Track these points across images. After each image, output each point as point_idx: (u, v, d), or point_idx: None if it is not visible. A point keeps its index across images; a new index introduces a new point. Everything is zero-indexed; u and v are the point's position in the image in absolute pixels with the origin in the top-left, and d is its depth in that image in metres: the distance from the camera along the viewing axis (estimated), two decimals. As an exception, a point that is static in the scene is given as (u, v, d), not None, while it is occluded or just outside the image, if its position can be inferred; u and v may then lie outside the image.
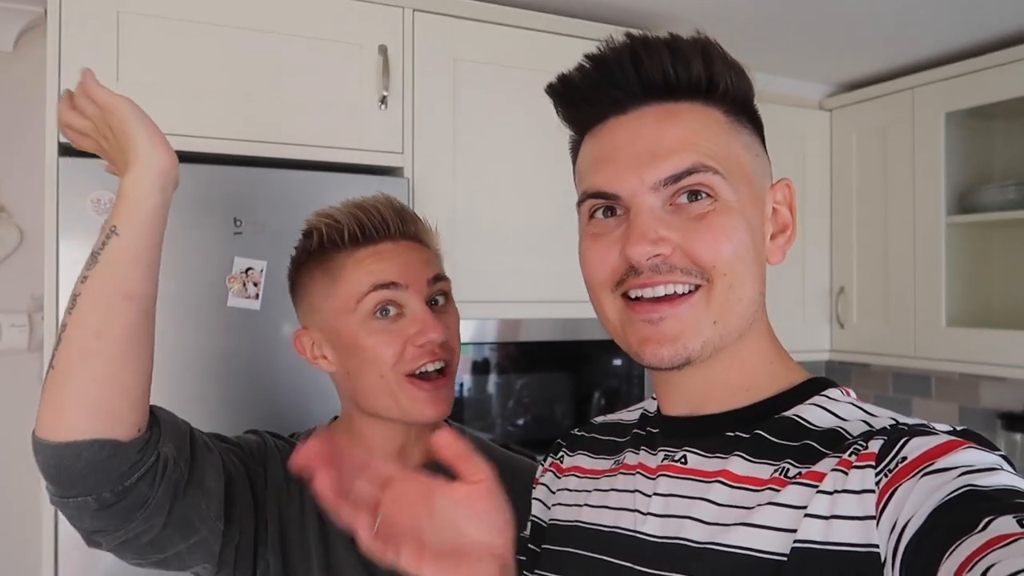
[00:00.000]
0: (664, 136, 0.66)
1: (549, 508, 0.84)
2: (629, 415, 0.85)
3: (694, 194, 0.66)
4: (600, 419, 0.89)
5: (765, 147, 0.74)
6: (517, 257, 1.82)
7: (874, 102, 2.37)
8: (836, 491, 0.58)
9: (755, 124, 0.73)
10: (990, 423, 2.32)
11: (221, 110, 1.54)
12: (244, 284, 1.48)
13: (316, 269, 0.99)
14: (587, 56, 0.70)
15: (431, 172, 1.72)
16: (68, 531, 1.38)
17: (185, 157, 1.50)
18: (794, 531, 0.59)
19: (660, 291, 0.65)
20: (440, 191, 1.73)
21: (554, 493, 0.85)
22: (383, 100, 1.66)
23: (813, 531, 0.58)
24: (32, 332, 1.76)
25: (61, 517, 1.37)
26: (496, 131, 1.80)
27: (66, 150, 1.42)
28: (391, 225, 0.97)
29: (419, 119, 1.71)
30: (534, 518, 0.85)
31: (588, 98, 0.70)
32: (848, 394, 0.70)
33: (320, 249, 0.98)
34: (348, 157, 1.64)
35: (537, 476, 0.90)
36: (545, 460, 0.90)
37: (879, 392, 2.68)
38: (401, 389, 0.95)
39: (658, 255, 0.64)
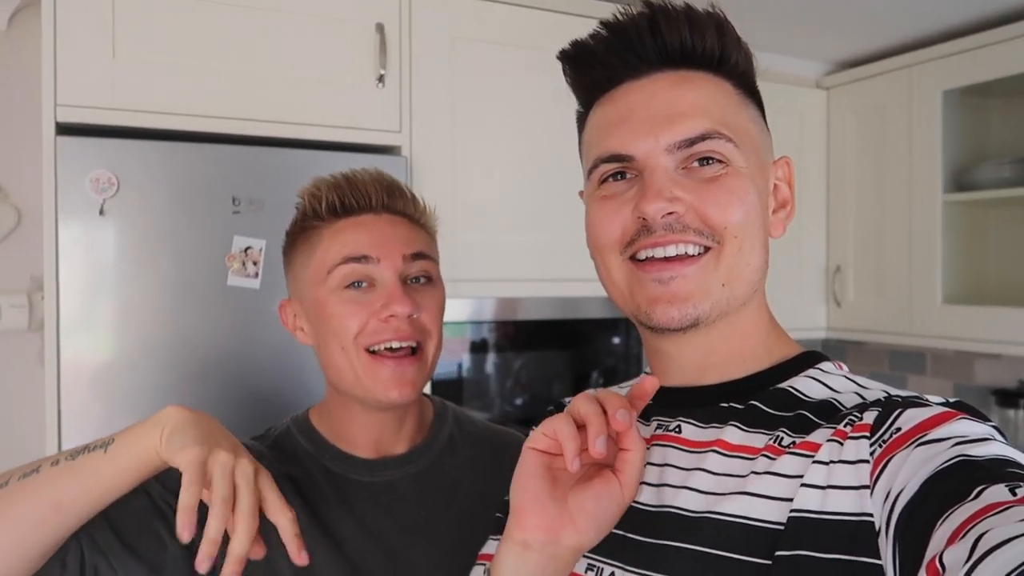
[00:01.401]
0: (679, 100, 0.67)
1: None
2: (621, 391, 0.86)
3: (706, 159, 0.67)
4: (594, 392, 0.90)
5: (767, 125, 0.76)
6: (515, 236, 1.82)
7: (871, 80, 2.37)
8: (832, 461, 0.59)
9: (758, 103, 0.74)
10: (984, 400, 2.34)
11: (218, 89, 1.53)
12: (243, 263, 1.48)
13: (299, 240, 0.97)
14: (603, 23, 0.71)
15: (429, 151, 1.72)
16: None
17: (182, 136, 1.52)
18: (790, 500, 0.59)
19: (671, 251, 0.66)
20: (438, 169, 1.73)
21: None
22: (380, 79, 1.65)
23: (810, 500, 0.58)
24: (32, 312, 1.76)
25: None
26: (494, 109, 1.80)
27: (63, 129, 1.42)
28: (373, 197, 0.94)
29: (417, 98, 1.71)
30: None
31: (602, 62, 0.71)
32: (841, 367, 0.71)
33: (303, 219, 0.97)
34: (346, 136, 1.64)
35: None
36: None
37: (875, 369, 2.70)
38: (362, 364, 0.91)
39: (672, 213, 0.65)
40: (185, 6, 1.51)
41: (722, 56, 0.69)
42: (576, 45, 0.73)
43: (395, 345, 0.91)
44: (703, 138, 0.66)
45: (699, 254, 0.66)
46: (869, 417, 0.60)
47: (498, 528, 0.87)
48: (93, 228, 1.40)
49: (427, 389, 1.70)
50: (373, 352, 0.92)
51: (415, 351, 0.93)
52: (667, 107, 0.67)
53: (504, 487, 0.95)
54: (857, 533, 0.56)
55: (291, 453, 0.97)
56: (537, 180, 1.84)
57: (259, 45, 1.57)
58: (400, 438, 1.00)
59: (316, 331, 0.96)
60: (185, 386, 1.46)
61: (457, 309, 1.78)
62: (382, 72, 1.65)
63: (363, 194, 0.94)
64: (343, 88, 1.64)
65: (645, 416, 0.76)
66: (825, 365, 0.71)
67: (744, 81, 0.72)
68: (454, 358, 1.80)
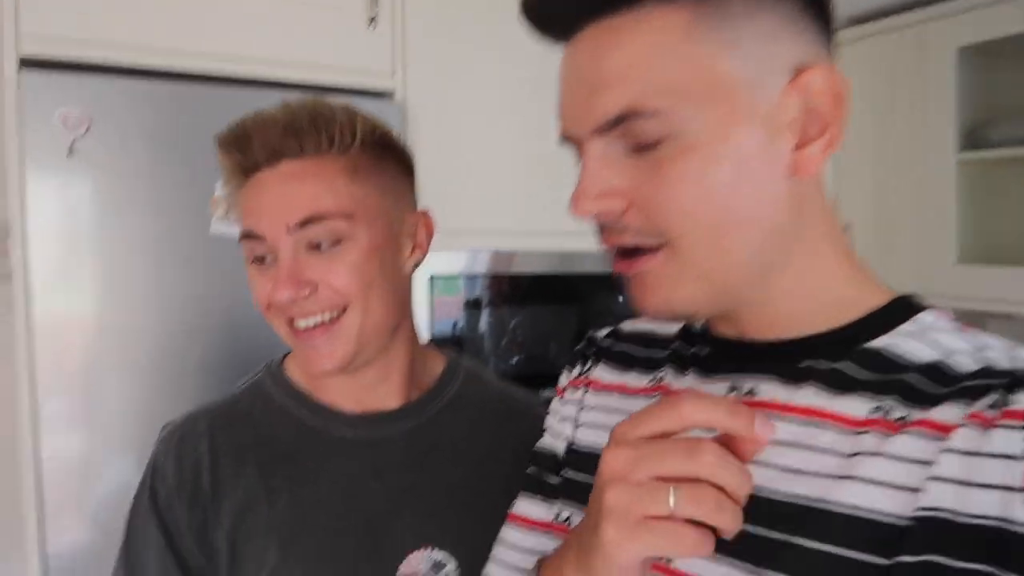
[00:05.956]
0: (599, 67, 0.53)
1: (577, 428, 0.74)
2: (664, 327, 0.72)
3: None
4: (630, 326, 0.76)
5: (791, 19, 0.54)
6: (511, 185, 1.75)
7: (883, 37, 2.30)
8: (971, 452, 0.48)
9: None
10: (994, 366, 2.29)
11: (200, 24, 1.45)
12: (227, 209, 1.41)
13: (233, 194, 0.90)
14: None
15: (423, 96, 1.65)
16: (52, 467, 1.33)
17: (162, 74, 1.43)
18: (912, 490, 0.49)
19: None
20: (433, 116, 1.66)
21: (583, 411, 0.74)
22: (372, 20, 1.57)
23: (944, 497, 0.47)
24: (1, 259, 1.68)
25: (43, 448, 1.32)
26: (491, 54, 1.72)
27: (28, 62, 1.33)
28: (261, 150, 0.82)
29: (410, 40, 1.63)
30: (566, 439, 0.74)
31: (535, 20, 0.59)
32: (948, 316, 0.58)
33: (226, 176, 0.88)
34: (335, 78, 1.56)
35: (561, 386, 0.78)
36: (573, 370, 0.78)
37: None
38: (284, 333, 0.85)
39: (605, 212, 0.54)
40: (162, -65, 1.42)
41: None
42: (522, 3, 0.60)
43: (300, 323, 0.83)
44: (621, 119, 0.52)
45: (654, 248, 0.55)
46: (1022, 401, 0.47)
47: (531, 484, 0.76)
48: (62, 170, 1.32)
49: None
50: (287, 322, 0.84)
51: (335, 318, 0.83)
52: (587, 79, 0.54)
53: (520, 445, 0.85)
54: (999, 542, 0.45)
55: (261, 410, 0.90)
56: (537, 127, 1.75)
57: (242, -21, 1.48)
58: (389, 392, 0.91)
59: None
60: (170, 342, 1.39)
61: (450, 262, 1.71)
62: (374, 13, 1.57)
63: (251, 149, 0.83)
64: (333, 28, 1.56)
65: (706, 371, 0.63)
66: (925, 317, 0.57)
67: None
68: (446, 315, 1.73)
